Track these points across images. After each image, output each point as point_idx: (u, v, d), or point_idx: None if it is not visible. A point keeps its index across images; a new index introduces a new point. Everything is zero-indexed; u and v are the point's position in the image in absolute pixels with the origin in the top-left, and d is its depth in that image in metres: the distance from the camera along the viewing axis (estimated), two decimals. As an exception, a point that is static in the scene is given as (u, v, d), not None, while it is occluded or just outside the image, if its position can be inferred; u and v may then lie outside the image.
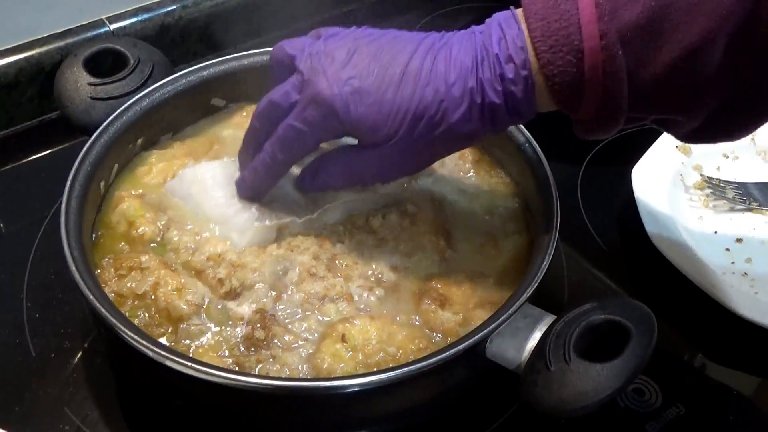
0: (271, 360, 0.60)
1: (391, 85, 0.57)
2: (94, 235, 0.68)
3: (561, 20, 0.53)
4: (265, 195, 0.67)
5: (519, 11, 0.57)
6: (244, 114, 0.80)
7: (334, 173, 0.64)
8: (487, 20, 0.58)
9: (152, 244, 0.67)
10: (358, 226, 0.69)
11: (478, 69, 0.56)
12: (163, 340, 0.60)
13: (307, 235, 0.67)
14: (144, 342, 0.54)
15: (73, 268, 0.59)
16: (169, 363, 0.54)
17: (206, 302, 0.63)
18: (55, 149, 0.91)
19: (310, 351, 0.61)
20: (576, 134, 0.60)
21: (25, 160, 0.90)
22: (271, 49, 0.67)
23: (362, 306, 0.64)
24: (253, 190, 0.67)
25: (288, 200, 0.68)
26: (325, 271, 0.65)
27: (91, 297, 0.57)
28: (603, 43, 0.52)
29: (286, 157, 0.63)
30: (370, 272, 0.66)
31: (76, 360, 0.69)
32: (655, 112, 0.56)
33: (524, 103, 0.57)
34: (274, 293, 0.64)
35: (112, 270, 0.64)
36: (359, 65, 0.58)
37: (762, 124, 0.56)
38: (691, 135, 0.58)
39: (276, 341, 0.61)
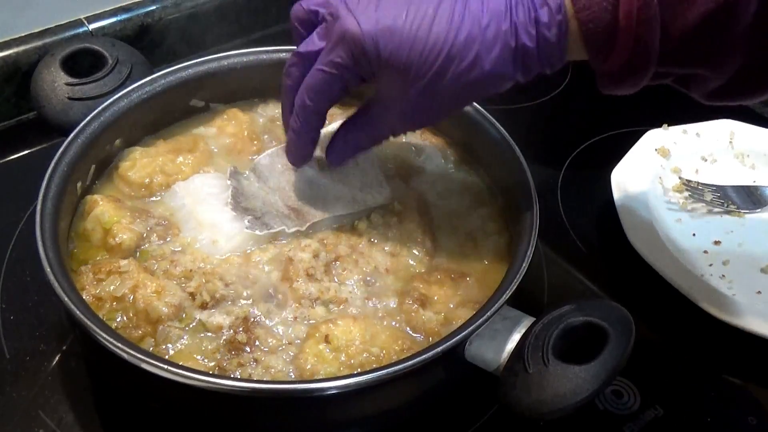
0: (254, 363, 0.60)
1: (423, 24, 0.56)
2: (71, 246, 0.68)
3: None
4: (310, 157, 0.66)
5: None
6: (225, 117, 0.79)
7: (360, 136, 0.64)
8: None
9: (132, 256, 0.66)
10: (342, 228, 0.69)
11: (512, 12, 0.55)
12: (142, 344, 0.60)
13: (299, 239, 0.68)
14: (120, 345, 0.54)
15: (48, 270, 0.58)
16: (145, 366, 0.53)
17: (186, 305, 0.62)
18: (31, 150, 0.90)
19: (294, 353, 0.61)
20: (599, 88, 0.59)
21: (1, 161, 0.89)
22: (290, 10, 0.65)
23: (351, 308, 0.64)
24: (296, 150, 0.66)
25: (280, 214, 0.69)
26: (321, 274, 0.65)
27: (66, 299, 0.56)
28: None
29: (315, 105, 0.61)
30: (357, 275, 0.66)
31: (51, 363, 0.68)
32: (684, 65, 0.56)
33: (556, 49, 0.56)
34: (257, 299, 0.64)
35: (90, 275, 0.63)
36: (389, 3, 0.57)
37: None
38: (714, 93, 0.57)
39: (258, 344, 0.61)
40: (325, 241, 0.68)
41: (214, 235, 0.67)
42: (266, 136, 0.79)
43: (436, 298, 0.65)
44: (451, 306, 0.65)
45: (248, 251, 0.67)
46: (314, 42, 0.60)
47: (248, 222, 0.67)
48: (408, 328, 0.63)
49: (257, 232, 0.67)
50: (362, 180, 0.72)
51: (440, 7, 0.56)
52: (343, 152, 0.66)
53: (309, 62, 0.60)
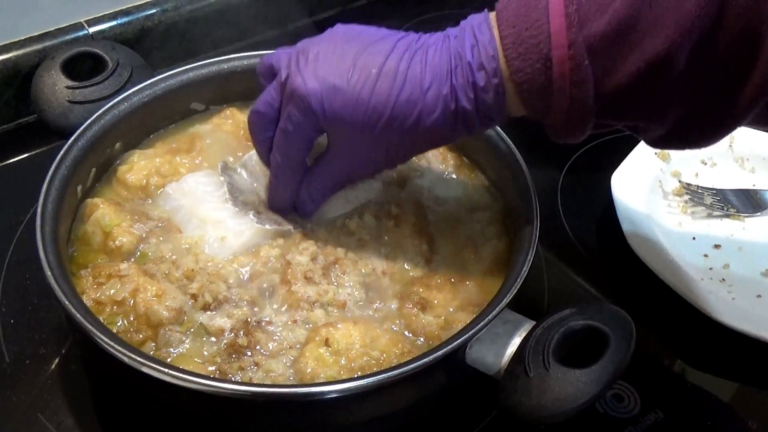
0: (254, 367, 0.59)
1: (367, 84, 0.58)
2: (71, 250, 0.67)
3: (531, 28, 0.54)
4: (292, 205, 0.68)
5: (492, 15, 0.57)
6: (224, 115, 0.79)
7: (322, 187, 0.66)
8: (462, 23, 0.59)
9: (132, 259, 0.66)
10: (339, 230, 0.69)
11: (452, 75, 0.57)
12: (143, 348, 0.60)
13: (297, 242, 0.68)
14: (120, 348, 0.54)
15: (49, 273, 0.58)
16: (145, 369, 0.53)
17: (187, 308, 0.62)
18: (31, 153, 0.90)
19: (294, 356, 0.60)
20: (549, 137, 0.60)
21: (1, 164, 0.89)
22: (256, 60, 0.67)
23: (350, 311, 0.64)
24: (277, 198, 0.68)
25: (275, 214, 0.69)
26: (320, 277, 0.65)
27: (66, 302, 0.56)
28: (570, 52, 0.53)
29: (286, 161, 0.64)
30: (355, 277, 0.66)
31: (51, 366, 0.68)
32: (623, 119, 0.57)
33: (495, 109, 0.58)
34: (257, 302, 0.64)
35: (90, 278, 0.63)
36: (335, 63, 0.59)
37: (729, 132, 0.56)
38: (660, 141, 0.59)
39: (259, 347, 0.61)
40: (322, 244, 0.68)
41: (222, 232, 0.67)
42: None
43: (436, 301, 0.65)
44: (451, 310, 0.65)
45: (252, 250, 0.67)
46: (270, 99, 0.63)
47: (253, 216, 0.67)
48: (408, 332, 0.63)
49: (267, 227, 0.67)
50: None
51: (385, 66, 0.58)
52: (310, 203, 0.67)
53: (270, 118, 0.63)
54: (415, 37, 0.60)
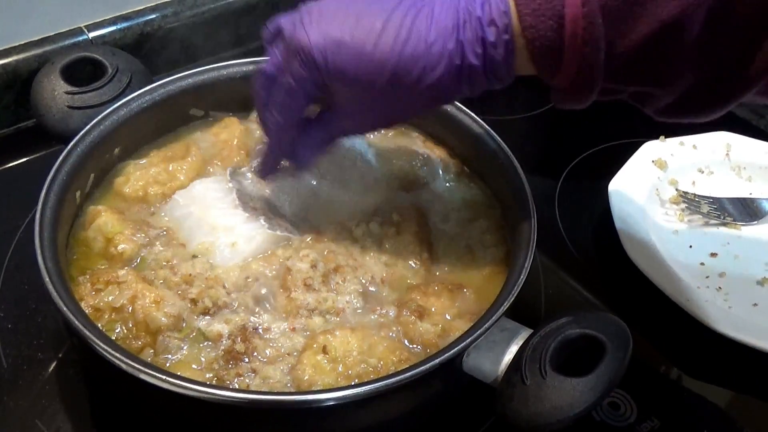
0: (252, 374, 0.59)
1: (370, 38, 0.57)
2: (70, 254, 0.67)
3: None
4: (278, 168, 0.68)
5: None
6: (222, 124, 0.80)
7: (321, 141, 0.65)
8: None
9: (133, 264, 0.66)
10: (341, 236, 0.70)
11: (459, 31, 0.56)
12: (141, 355, 0.60)
13: (297, 249, 0.68)
14: (118, 354, 0.54)
15: (47, 279, 0.58)
16: (142, 376, 0.53)
17: (186, 314, 0.62)
18: (31, 157, 0.90)
19: (291, 363, 0.60)
20: (553, 101, 0.60)
21: (0, 169, 0.89)
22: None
23: (348, 319, 0.64)
24: (271, 159, 0.68)
25: (285, 219, 0.70)
26: (319, 284, 0.65)
27: (64, 308, 0.56)
28: (584, 10, 0.52)
29: (283, 118, 0.63)
30: (355, 285, 0.66)
31: (48, 372, 0.68)
32: (632, 83, 0.57)
33: (503, 67, 0.57)
34: (255, 308, 0.64)
35: (88, 285, 0.63)
36: (339, 17, 0.58)
37: (734, 102, 0.56)
38: (666, 110, 0.58)
39: (256, 354, 0.61)
40: (323, 251, 0.68)
41: (233, 237, 0.67)
42: (260, 146, 0.79)
43: (433, 309, 0.65)
44: (449, 317, 0.65)
45: (260, 256, 0.67)
46: (275, 58, 0.62)
47: (264, 221, 0.68)
48: (405, 340, 0.63)
49: (278, 233, 0.67)
50: (362, 183, 0.72)
51: (389, 22, 0.57)
52: (307, 154, 0.66)
53: (273, 79, 0.62)
54: None
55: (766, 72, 0.53)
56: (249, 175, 0.72)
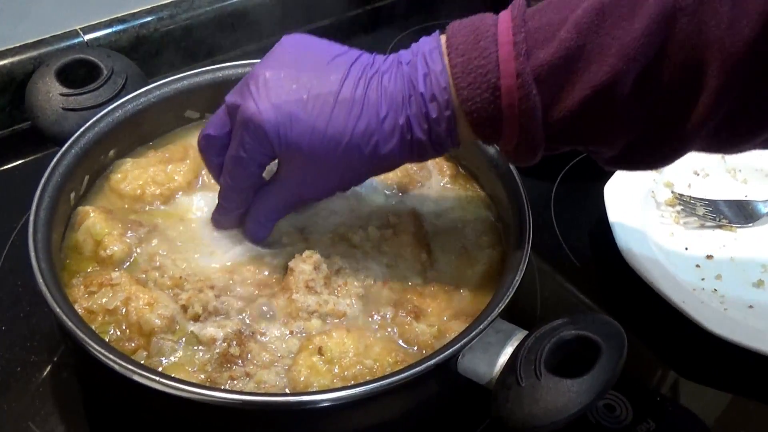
0: (246, 378, 0.59)
1: (323, 113, 0.58)
2: (63, 257, 0.67)
3: (480, 57, 0.54)
4: (236, 225, 0.68)
5: (443, 39, 0.58)
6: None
7: (273, 209, 0.65)
8: (414, 47, 0.59)
9: (125, 265, 0.66)
10: (341, 240, 0.70)
11: (406, 105, 0.57)
12: (135, 357, 0.59)
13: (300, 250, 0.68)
14: (111, 356, 0.54)
15: (41, 281, 0.58)
16: (136, 377, 0.53)
17: (178, 318, 0.62)
18: (25, 160, 0.90)
19: (287, 365, 0.60)
20: (506, 161, 0.62)
21: (-5, 170, 0.89)
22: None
23: (345, 320, 0.64)
24: (224, 221, 0.68)
25: (281, 230, 0.69)
26: (321, 286, 0.65)
27: (58, 310, 0.56)
28: (519, 81, 0.53)
29: (236, 184, 0.64)
30: (356, 287, 0.66)
31: (42, 374, 0.68)
32: (572, 144, 0.58)
33: (447, 139, 0.59)
34: (247, 312, 0.64)
35: (82, 288, 0.63)
36: (288, 88, 0.58)
37: (679, 156, 0.57)
38: (612, 162, 0.59)
39: (251, 357, 0.60)
40: (325, 254, 0.67)
41: (213, 247, 0.68)
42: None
43: (429, 310, 0.65)
44: (445, 319, 0.65)
45: (248, 258, 0.67)
46: (220, 123, 0.63)
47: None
48: (401, 341, 0.63)
49: (261, 249, 0.67)
50: (357, 188, 0.72)
51: (340, 94, 0.58)
52: (261, 228, 0.67)
53: (221, 142, 0.63)
54: (368, 60, 0.60)
55: (701, 128, 0.53)
56: None
